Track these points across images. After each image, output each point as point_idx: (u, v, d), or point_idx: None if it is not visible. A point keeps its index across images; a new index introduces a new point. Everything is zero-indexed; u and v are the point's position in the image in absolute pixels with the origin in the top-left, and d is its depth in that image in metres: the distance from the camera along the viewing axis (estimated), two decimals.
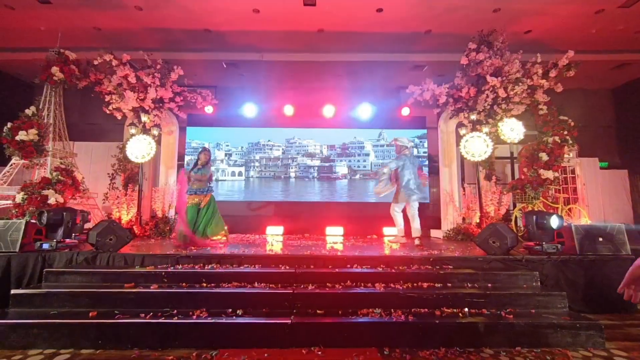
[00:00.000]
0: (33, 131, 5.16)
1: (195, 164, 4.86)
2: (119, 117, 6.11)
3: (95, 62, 5.66)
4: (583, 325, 2.75)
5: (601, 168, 7.48)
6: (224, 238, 5.08)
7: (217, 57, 6.75)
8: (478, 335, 2.71)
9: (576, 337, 2.72)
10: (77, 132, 7.02)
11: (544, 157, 5.54)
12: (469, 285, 3.39)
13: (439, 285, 3.36)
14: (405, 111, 6.93)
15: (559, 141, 5.62)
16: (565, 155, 5.83)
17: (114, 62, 5.63)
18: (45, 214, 4.04)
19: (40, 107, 5.52)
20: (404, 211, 5.13)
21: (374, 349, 2.59)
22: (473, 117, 5.80)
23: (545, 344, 2.69)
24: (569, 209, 6.10)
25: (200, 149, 4.99)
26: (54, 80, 5.51)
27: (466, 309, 2.99)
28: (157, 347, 2.61)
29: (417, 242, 4.85)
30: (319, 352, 2.52)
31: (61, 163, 5.53)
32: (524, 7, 5.23)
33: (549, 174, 5.53)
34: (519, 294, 3.19)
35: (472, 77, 5.75)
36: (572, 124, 5.73)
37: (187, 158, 7.40)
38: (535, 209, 5.41)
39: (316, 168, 7.67)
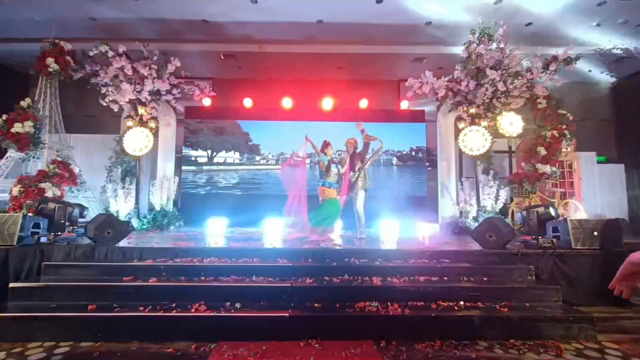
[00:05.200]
0: (29, 123, 5.11)
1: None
2: (116, 110, 6.05)
3: (91, 53, 5.59)
4: (576, 318, 2.80)
5: (598, 162, 7.50)
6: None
7: (215, 49, 6.66)
8: (473, 327, 2.75)
9: (569, 330, 2.76)
10: (73, 125, 6.96)
11: (542, 151, 5.56)
12: (465, 279, 3.43)
13: (436, 278, 3.40)
14: (404, 104, 6.90)
15: (557, 135, 5.63)
16: (563, 150, 5.84)
17: (110, 53, 5.56)
18: (43, 207, 4.03)
19: (36, 98, 5.46)
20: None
21: (371, 341, 2.63)
22: (472, 110, 5.79)
23: (538, 336, 2.73)
24: (565, 203, 6.14)
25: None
26: (49, 72, 5.44)
27: (462, 302, 3.02)
28: (156, 339, 2.63)
29: None
30: (317, 345, 2.56)
31: (58, 156, 5.49)
32: None
33: (547, 169, 5.55)
34: (514, 287, 3.23)
35: (472, 70, 5.71)
36: (571, 118, 5.73)
37: (184, 151, 7.37)
38: (532, 203, 5.44)
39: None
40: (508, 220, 5.57)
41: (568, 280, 3.71)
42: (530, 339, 2.71)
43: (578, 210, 6.06)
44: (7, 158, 5.41)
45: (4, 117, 5.10)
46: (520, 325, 2.77)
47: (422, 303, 3.03)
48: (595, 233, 3.87)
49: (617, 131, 8.00)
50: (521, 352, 2.52)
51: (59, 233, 4.06)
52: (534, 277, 3.51)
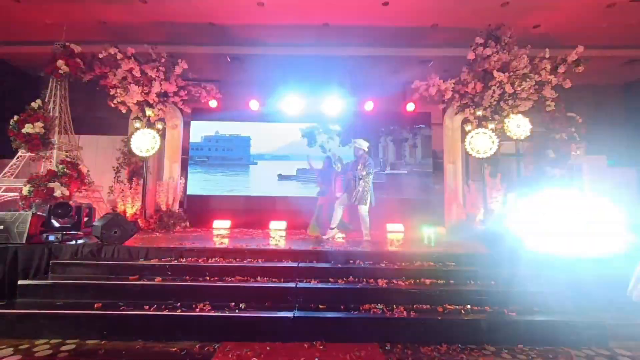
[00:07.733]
0: (39, 124, 5.20)
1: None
2: (124, 111, 6.11)
3: (100, 56, 5.66)
4: (587, 324, 2.74)
5: (608, 166, 7.36)
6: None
7: (222, 51, 6.72)
8: (480, 332, 2.71)
9: (579, 336, 2.70)
10: (82, 126, 7.03)
11: (551, 154, 5.48)
12: (472, 282, 3.38)
13: (442, 281, 3.35)
14: (411, 107, 6.86)
15: (566, 138, 5.55)
16: (572, 153, 5.76)
17: (119, 56, 5.63)
18: (56, 208, 4.07)
19: (46, 100, 5.56)
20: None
21: (376, 344, 2.60)
22: (479, 113, 5.73)
23: (548, 342, 2.68)
24: None
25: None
26: (60, 74, 5.53)
27: (469, 306, 2.98)
28: (161, 338, 2.64)
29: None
30: (321, 347, 2.54)
31: (67, 156, 5.57)
32: (533, 0, 5.13)
33: (555, 172, 5.47)
34: (522, 291, 3.17)
35: (479, 72, 5.66)
36: (580, 120, 5.65)
37: (191, 152, 7.41)
38: None
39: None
40: None
41: (579, 285, 3.62)
42: (540, 345, 2.66)
43: None
44: (17, 158, 5.50)
45: (15, 118, 5.19)
46: (528, 330, 2.72)
47: (428, 306, 2.99)
48: None
49: (628, 134, 7.86)
50: (530, 357, 2.48)
51: (67, 232, 4.11)
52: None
